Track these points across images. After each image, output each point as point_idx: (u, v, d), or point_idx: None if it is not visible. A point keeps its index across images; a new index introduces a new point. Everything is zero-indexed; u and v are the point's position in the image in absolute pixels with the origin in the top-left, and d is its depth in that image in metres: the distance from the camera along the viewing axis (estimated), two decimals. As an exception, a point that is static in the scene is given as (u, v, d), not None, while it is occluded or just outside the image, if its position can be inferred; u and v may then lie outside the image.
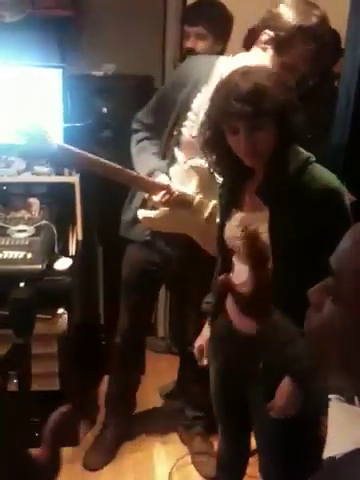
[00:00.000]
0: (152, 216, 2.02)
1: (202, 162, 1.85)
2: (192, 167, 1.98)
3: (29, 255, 2.20)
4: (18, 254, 2.20)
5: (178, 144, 2.04)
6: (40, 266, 2.18)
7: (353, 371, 0.73)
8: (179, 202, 1.96)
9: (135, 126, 2.17)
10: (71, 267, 2.29)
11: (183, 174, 2.02)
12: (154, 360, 2.88)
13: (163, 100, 2.09)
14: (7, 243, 2.27)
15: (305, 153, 1.50)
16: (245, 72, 1.42)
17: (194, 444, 2.43)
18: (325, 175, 1.47)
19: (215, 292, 1.73)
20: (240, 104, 1.37)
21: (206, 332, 1.77)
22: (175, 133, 2.03)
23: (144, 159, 2.09)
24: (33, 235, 2.33)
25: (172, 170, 2.05)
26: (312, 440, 1.43)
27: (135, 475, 2.33)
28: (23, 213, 2.46)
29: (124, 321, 2.32)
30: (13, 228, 2.36)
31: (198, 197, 1.98)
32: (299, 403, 1.43)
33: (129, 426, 2.51)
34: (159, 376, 2.87)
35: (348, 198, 1.91)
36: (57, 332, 2.23)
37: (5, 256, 2.20)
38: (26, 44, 2.49)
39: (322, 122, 2.34)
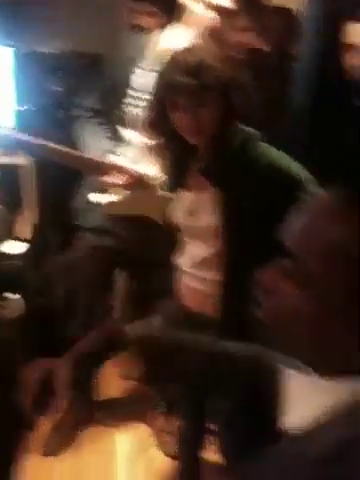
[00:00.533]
0: (115, 200, 1.98)
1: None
2: (146, 146, 1.95)
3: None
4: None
5: (127, 124, 2.00)
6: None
7: (322, 353, 0.72)
8: (139, 183, 1.93)
9: (83, 113, 2.13)
10: (26, 251, 2.24)
11: (137, 154, 1.98)
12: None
13: (106, 83, 2.06)
14: None
15: (251, 130, 1.49)
16: (191, 48, 1.44)
17: (158, 424, 2.44)
18: (275, 154, 1.46)
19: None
20: (185, 78, 1.37)
21: None
22: (121, 113, 2.00)
23: (96, 143, 2.05)
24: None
25: (125, 151, 2.01)
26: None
27: (97, 457, 2.31)
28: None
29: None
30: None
31: (157, 176, 1.95)
32: None
33: (91, 411, 2.48)
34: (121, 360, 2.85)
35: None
36: (9, 317, 2.18)
37: None
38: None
39: (280, 102, 2.36)
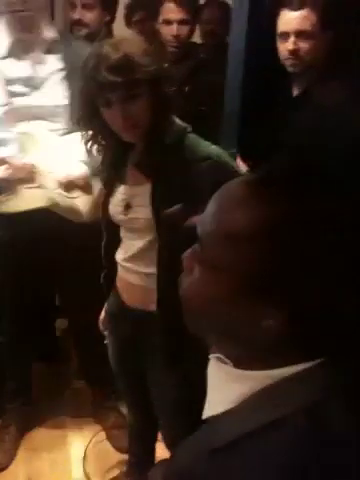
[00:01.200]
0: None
1: (29, 127, 1.87)
2: (21, 134, 1.91)
3: None
4: None
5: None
6: None
7: (221, 334, 0.75)
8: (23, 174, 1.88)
9: None
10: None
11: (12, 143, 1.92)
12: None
13: None
14: None
15: (181, 124, 1.50)
16: (115, 42, 1.40)
17: (108, 419, 2.43)
18: (204, 145, 1.48)
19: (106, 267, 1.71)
20: (111, 75, 1.35)
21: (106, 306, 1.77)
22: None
23: None
24: None
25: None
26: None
27: (50, 458, 2.30)
28: None
29: None
30: None
31: (37, 165, 1.91)
32: None
33: (31, 416, 2.44)
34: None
35: (241, 165, 1.97)
36: None
37: None
38: None
39: (217, 93, 2.38)
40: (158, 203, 1.44)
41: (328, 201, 0.66)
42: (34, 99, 1.93)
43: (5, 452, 2.30)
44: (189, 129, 1.49)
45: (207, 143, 1.49)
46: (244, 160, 2.02)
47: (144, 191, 1.47)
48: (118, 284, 1.66)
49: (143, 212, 1.48)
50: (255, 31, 2.07)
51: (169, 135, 1.45)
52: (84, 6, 2.37)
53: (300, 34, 1.89)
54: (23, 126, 1.91)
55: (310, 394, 0.67)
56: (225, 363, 0.76)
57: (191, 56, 2.50)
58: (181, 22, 2.43)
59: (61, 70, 1.95)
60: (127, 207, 1.52)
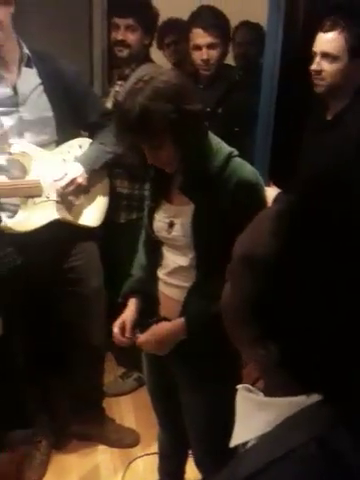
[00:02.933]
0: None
1: (26, 144, 1.96)
2: (21, 153, 1.98)
3: None
4: None
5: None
6: None
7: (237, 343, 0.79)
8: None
9: None
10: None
11: (16, 166, 2.00)
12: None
13: None
14: None
15: (227, 148, 1.52)
16: (130, 92, 1.39)
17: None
18: (243, 169, 1.50)
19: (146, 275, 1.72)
20: (131, 133, 1.42)
21: (132, 308, 1.73)
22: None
23: None
24: None
25: None
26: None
27: (82, 473, 2.31)
28: None
29: None
30: None
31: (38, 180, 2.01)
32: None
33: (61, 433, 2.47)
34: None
35: (272, 189, 1.99)
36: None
37: None
38: None
39: (249, 115, 2.40)
40: (199, 224, 1.49)
41: (339, 248, 0.63)
42: (21, 115, 2.00)
43: (36, 469, 2.31)
44: (235, 153, 1.52)
45: (250, 169, 1.51)
46: (275, 183, 2.04)
47: (187, 212, 1.51)
48: (157, 297, 1.68)
49: (185, 231, 1.52)
50: (289, 53, 2.09)
51: (212, 160, 1.48)
52: (128, 28, 2.44)
53: (325, 56, 1.90)
54: (15, 147, 1.97)
55: (321, 425, 0.67)
56: (252, 392, 0.78)
57: (224, 78, 2.52)
58: (210, 46, 2.46)
59: (40, 84, 2.03)
60: (170, 225, 1.56)
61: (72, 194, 2.07)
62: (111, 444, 2.46)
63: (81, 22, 2.80)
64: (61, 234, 2.06)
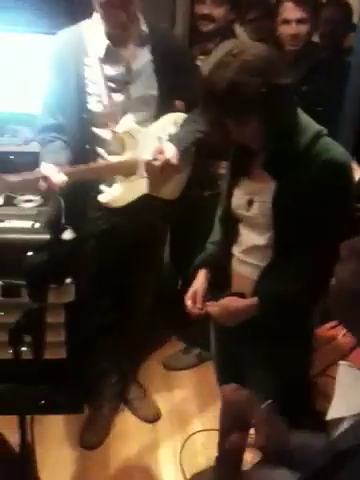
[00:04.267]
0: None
1: (130, 122, 1.98)
2: (125, 132, 2.00)
3: (37, 225, 2.20)
4: (26, 223, 2.20)
5: (94, 124, 2.02)
6: (48, 236, 2.17)
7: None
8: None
9: (46, 137, 2.06)
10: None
11: (118, 143, 2.03)
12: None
13: (51, 93, 2.03)
14: (15, 212, 2.27)
15: (316, 126, 1.48)
16: (218, 65, 1.36)
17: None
18: (334, 149, 1.45)
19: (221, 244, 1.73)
20: (218, 108, 1.38)
21: (202, 280, 1.75)
22: (85, 116, 1.99)
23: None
24: (41, 205, 2.33)
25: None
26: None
27: (139, 443, 2.36)
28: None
29: None
30: (20, 198, 2.35)
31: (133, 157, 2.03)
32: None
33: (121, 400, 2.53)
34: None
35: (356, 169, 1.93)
36: (64, 301, 2.24)
37: (13, 225, 2.20)
38: (34, 12, 2.44)
39: (333, 95, 2.33)
40: (280, 203, 1.46)
41: None
42: (129, 93, 2.00)
43: (96, 433, 2.37)
44: (324, 132, 1.47)
45: (341, 149, 1.46)
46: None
47: (269, 189, 1.48)
48: (230, 275, 1.68)
49: (265, 210, 1.50)
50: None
51: (299, 137, 1.44)
52: (214, 1, 2.40)
53: None
54: (119, 126, 2.00)
55: None
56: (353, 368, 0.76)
57: (310, 56, 2.46)
58: (300, 21, 2.40)
59: (152, 62, 2.01)
60: (250, 203, 1.54)
61: (164, 174, 2.08)
62: (133, 411, 2.51)
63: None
64: (144, 205, 2.09)
